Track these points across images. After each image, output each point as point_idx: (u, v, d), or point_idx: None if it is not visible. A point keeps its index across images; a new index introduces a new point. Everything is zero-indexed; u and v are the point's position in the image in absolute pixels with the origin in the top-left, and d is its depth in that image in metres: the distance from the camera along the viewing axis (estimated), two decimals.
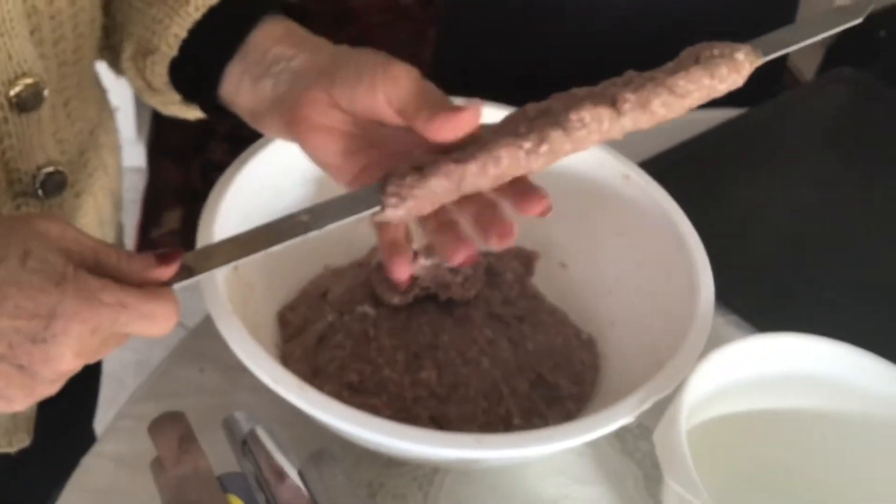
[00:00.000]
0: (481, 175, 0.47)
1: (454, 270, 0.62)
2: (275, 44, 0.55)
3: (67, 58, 0.58)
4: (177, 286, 0.46)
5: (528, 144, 0.47)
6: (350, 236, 0.69)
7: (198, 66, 0.57)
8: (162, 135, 1.88)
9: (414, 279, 0.62)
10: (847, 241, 0.80)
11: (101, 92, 0.69)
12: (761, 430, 0.59)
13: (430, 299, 0.63)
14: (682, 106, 0.49)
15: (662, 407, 0.53)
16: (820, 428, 0.58)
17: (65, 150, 0.61)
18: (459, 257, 0.50)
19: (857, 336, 0.57)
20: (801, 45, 0.52)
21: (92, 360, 0.46)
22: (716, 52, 0.49)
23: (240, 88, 0.56)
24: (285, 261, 0.66)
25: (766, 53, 0.50)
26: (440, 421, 0.58)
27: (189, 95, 0.60)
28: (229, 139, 1.89)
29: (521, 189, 0.50)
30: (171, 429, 0.51)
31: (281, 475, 0.49)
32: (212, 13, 0.57)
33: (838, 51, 1.48)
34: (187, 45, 0.58)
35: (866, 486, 0.58)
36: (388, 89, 0.49)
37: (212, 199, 0.59)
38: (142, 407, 0.62)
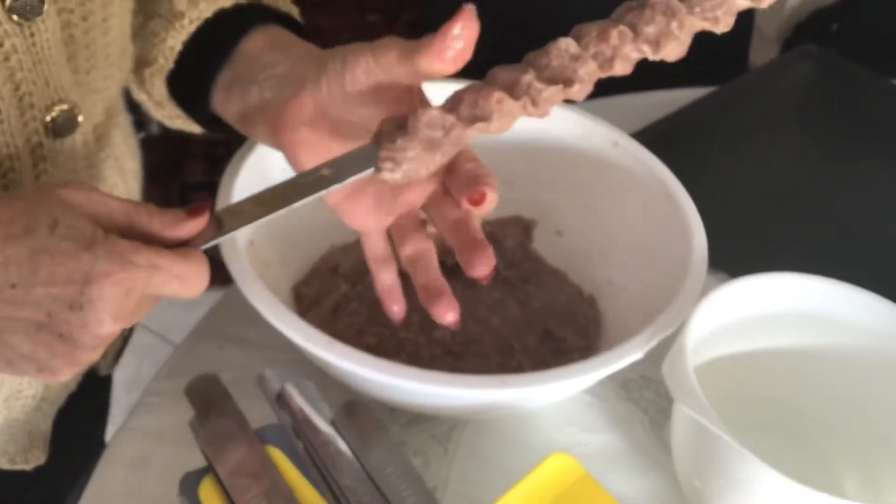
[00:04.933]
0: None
1: None
2: (263, 52, 0.56)
3: (98, 86, 0.59)
4: (209, 244, 0.47)
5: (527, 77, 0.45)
6: None
7: (191, 79, 0.59)
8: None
9: None
10: (819, 201, 0.85)
11: (125, 120, 0.69)
12: (761, 369, 0.63)
13: (439, 265, 0.65)
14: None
15: (662, 355, 0.56)
16: (817, 363, 0.62)
17: (94, 175, 0.62)
18: (479, 270, 0.50)
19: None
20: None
21: (129, 324, 0.47)
22: None
23: (229, 96, 0.57)
24: (296, 239, 0.69)
25: None
26: None
27: (186, 109, 0.61)
28: (206, 159, 1.91)
29: (468, 246, 0.51)
30: (207, 389, 0.54)
31: (316, 425, 0.52)
32: (207, 26, 0.58)
33: (794, 45, 1.53)
34: (183, 58, 0.59)
35: (863, 416, 0.61)
36: (379, 58, 0.49)
37: (234, 162, 0.62)
38: (166, 383, 0.64)
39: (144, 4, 0.61)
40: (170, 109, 0.62)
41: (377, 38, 0.51)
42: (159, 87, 0.61)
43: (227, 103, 0.57)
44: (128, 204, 0.46)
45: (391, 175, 0.47)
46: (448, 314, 0.52)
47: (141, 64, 0.61)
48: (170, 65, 0.59)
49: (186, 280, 0.45)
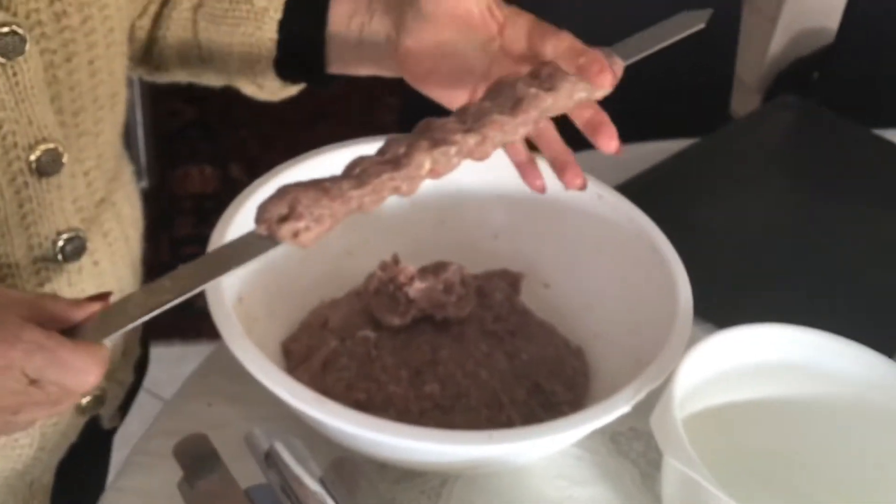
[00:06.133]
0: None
1: (448, 292, 0.66)
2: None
3: (88, 129, 0.60)
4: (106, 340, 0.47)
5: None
6: (342, 270, 0.73)
7: (299, 52, 0.66)
8: None
9: (410, 301, 0.65)
10: (803, 250, 0.86)
11: (125, 166, 0.70)
12: (749, 419, 0.63)
13: (427, 320, 0.66)
14: None
15: (652, 407, 0.56)
16: (805, 412, 0.62)
17: (84, 218, 0.62)
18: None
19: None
20: (652, 50, 0.57)
21: (10, 417, 0.45)
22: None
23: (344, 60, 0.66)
24: (285, 295, 0.69)
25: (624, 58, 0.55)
26: None
27: (297, 79, 0.69)
28: (196, 213, 1.91)
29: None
30: (196, 449, 0.54)
31: (305, 484, 0.52)
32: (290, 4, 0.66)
33: (776, 94, 1.56)
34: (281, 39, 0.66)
35: (850, 464, 0.62)
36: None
37: (224, 216, 0.62)
38: (155, 443, 0.64)
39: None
40: (277, 88, 0.70)
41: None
42: (270, 77, 0.68)
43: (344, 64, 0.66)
44: (31, 294, 0.47)
45: (308, 235, 0.49)
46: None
47: (246, 65, 0.68)
48: (273, 55, 0.66)
49: (70, 369, 0.45)
